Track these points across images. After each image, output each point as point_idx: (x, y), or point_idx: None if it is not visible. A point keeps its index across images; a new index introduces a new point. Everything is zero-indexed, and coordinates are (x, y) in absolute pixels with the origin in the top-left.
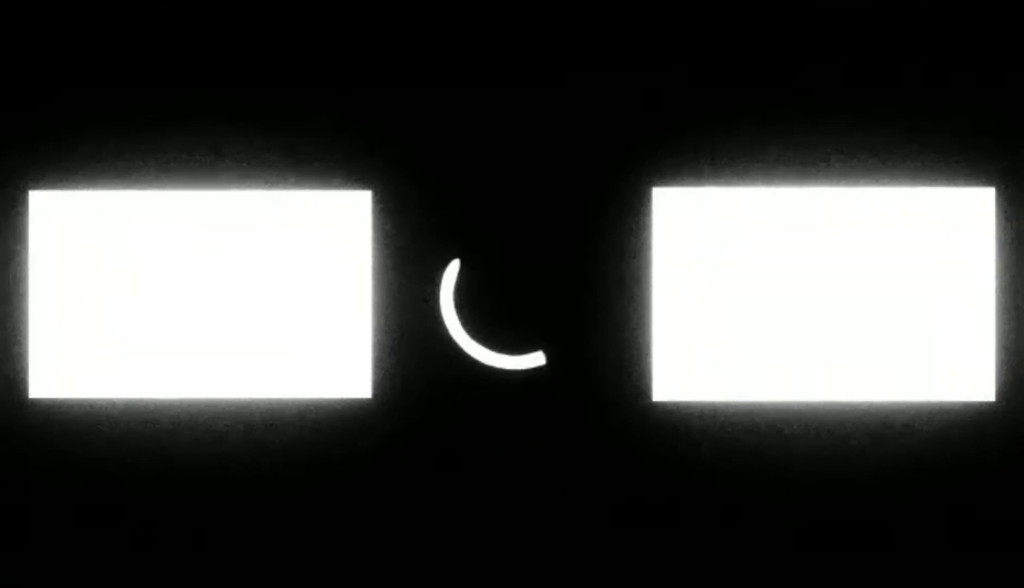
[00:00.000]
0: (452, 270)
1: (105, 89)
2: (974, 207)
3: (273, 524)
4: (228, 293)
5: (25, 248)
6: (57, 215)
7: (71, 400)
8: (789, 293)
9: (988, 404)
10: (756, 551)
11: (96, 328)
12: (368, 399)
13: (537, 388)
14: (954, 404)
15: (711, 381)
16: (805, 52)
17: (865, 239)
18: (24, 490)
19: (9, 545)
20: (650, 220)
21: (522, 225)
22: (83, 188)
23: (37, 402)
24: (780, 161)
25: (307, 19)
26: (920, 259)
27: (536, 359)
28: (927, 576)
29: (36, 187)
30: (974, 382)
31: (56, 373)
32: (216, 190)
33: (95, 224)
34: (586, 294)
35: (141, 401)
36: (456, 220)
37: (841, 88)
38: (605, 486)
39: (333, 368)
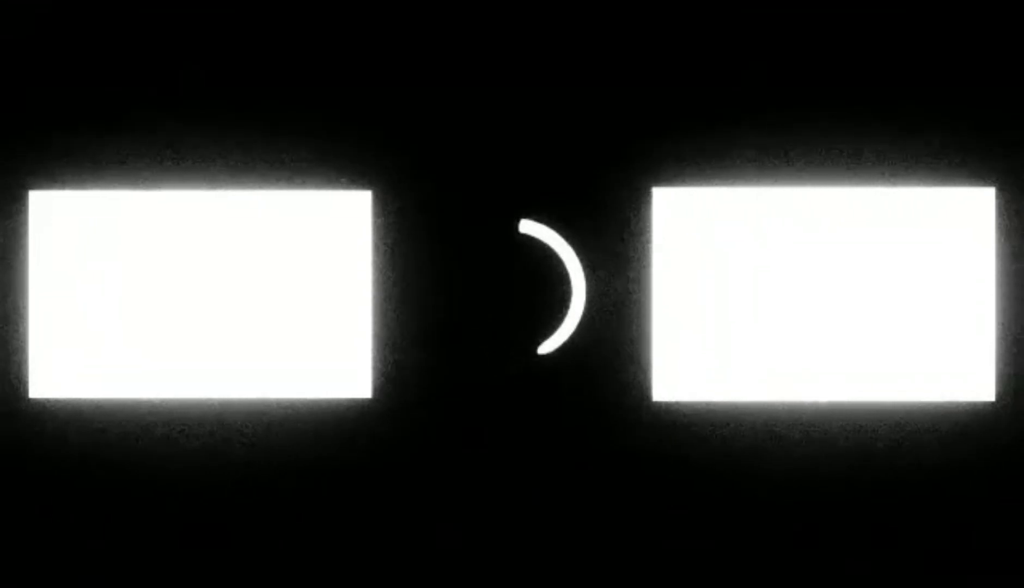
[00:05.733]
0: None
1: (105, 89)
2: (974, 207)
3: (273, 524)
4: (228, 293)
5: (25, 248)
6: (57, 215)
7: (71, 400)
8: (789, 293)
9: (988, 404)
10: (756, 551)
11: (96, 328)
12: (368, 399)
13: (537, 388)
14: (954, 404)
15: (711, 381)
16: (805, 52)
17: (865, 239)
18: (24, 490)
19: (9, 545)
20: (650, 220)
21: (522, 225)
22: (83, 188)
23: (37, 402)
24: (780, 161)
25: (307, 19)
26: (920, 259)
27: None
28: (927, 576)
29: (36, 187)
30: (974, 382)
31: (56, 373)
32: (216, 190)
33: (95, 224)
34: (586, 293)
35: (141, 401)
36: (455, 220)
37: (841, 88)
38: (605, 486)
39: (333, 368)
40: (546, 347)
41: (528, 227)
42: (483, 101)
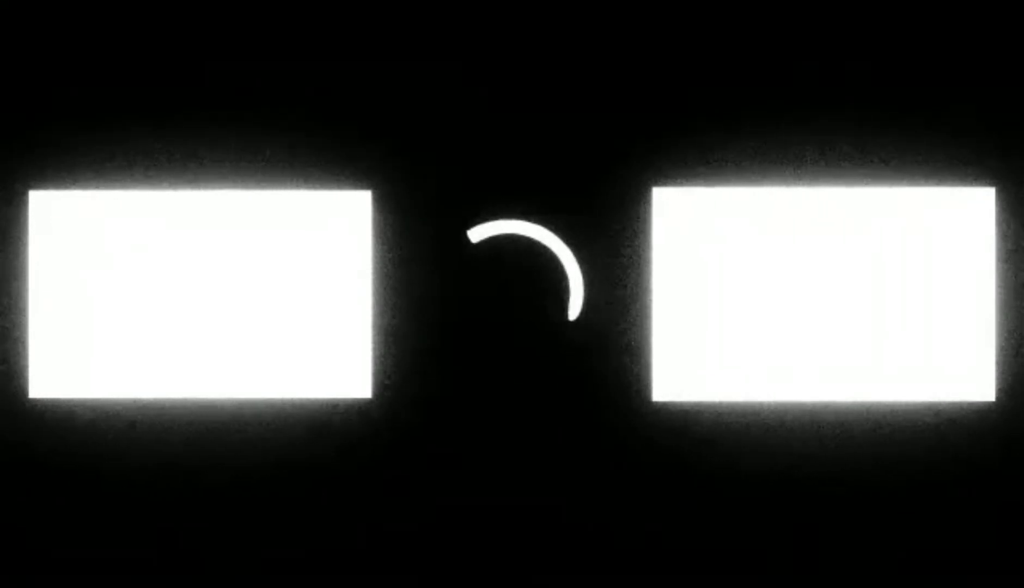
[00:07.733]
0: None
1: (105, 89)
2: (974, 207)
3: (273, 524)
4: (228, 293)
5: (25, 248)
6: (57, 215)
7: (71, 400)
8: (789, 293)
9: (988, 404)
10: (756, 551)
11: (96, 328)
12: (368, 399)
13: (536, 388)
14: (954, 404)
15: (711, 381)
16: (805, 52)
17: (865, 239)
18: (24, 490)
19: (9, 545)
20: (650, 220)
21: (522, 225)
22: (83, 188)
23: (37, 402)
24: (780, 161)
25: (307, 19)
26: (920, 259)
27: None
28: (927, 576)
29: (36, 187)
30: (974, 382)
31: (56, 373)
32: (216, 190)
33: (95, 224)
34: (585, 293)
35: (141, 401)
36: (456, 220)
37: (841, 88)
38: (605, 486)
39: (333, 368)
40: (545, 346)
41: (526, 227)
42: (483, 101)
